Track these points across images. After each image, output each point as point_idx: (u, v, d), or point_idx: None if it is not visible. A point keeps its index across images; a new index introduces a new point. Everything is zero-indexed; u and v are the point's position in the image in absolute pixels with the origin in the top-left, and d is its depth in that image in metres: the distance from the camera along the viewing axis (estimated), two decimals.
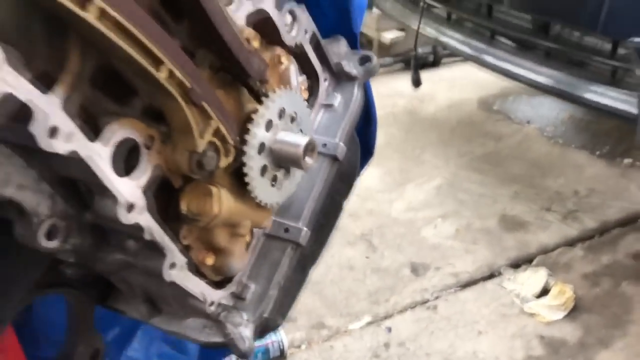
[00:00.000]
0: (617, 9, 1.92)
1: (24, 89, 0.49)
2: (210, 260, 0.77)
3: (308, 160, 0.76)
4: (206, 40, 0.66)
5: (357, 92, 0.96)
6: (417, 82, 3.05)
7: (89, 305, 0.93)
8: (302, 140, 0.74)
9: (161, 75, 0.57)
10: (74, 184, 0.65)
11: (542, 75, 2.41)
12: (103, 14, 0.50)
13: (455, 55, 3.68)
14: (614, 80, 2.13)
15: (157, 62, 0.57)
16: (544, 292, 2.45)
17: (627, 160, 3.31)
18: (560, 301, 2.38)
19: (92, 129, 0.59)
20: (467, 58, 2.99)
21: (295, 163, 0.75)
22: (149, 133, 0.63)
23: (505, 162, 3.36)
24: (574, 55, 2.28)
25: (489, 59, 2.76)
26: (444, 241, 2.80)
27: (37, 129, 0.51)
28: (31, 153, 0.58)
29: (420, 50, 3.69)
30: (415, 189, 3.16)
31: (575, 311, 2.37)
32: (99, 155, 0.58)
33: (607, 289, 2.47)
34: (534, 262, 2.64)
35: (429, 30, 3.03)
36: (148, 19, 0.54)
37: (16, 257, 0.75)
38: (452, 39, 2.98)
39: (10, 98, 0.48)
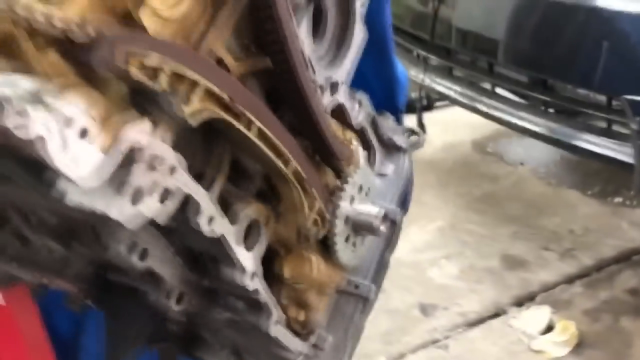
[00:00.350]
0: (612, 69, 2.10)
1: (194, 188, 0.62)
2: (300, 316, 0.89)
3: (382, 228, 0.89)
4: (306, 131, 0.79)
5: (406, 162, 1.11)
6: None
7: (174, 355, 1.04)
8: (378, 212, 0.88)
9: (288, 171, 0.71)
10: (197, 255, 0.78)
11: (540, 125, 2.57)
12: (260, 132, 0.64)
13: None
14: (609, 131, 2.30)
15: (286, 161, 0.71)
16: (549, 329, 2.57)
17: (617, 199, 3.47)
18: (565, 337, 2.50)
19: (224, 212, 0.72)
20: (463, 107, 3.16)
21: (372, 231, 0.88)
22: (266, 213, 0.76)
23: (502, 203, 3.50)
24: (571, 107, 2.46)
25: (486, 108, 2.93)
26: (449, 281, 2.91)
27: (201, 219, 0.64)
28: (175, 233, 0.71)
29: (413, 94, 3.87)
30: (418, 230, 3.28)
31: (579, 347, 2.48)
32: (234, 235, 0.70)
33: (607, 325, 2.60)
34: (537, 300, 2.76)
35: (426, 79, 3.20)
36: (283, 130, 0.68)
37: (132, 318, 0.87)
38: (449, 88, 3.16)
39: (188, 197, 0.61)
